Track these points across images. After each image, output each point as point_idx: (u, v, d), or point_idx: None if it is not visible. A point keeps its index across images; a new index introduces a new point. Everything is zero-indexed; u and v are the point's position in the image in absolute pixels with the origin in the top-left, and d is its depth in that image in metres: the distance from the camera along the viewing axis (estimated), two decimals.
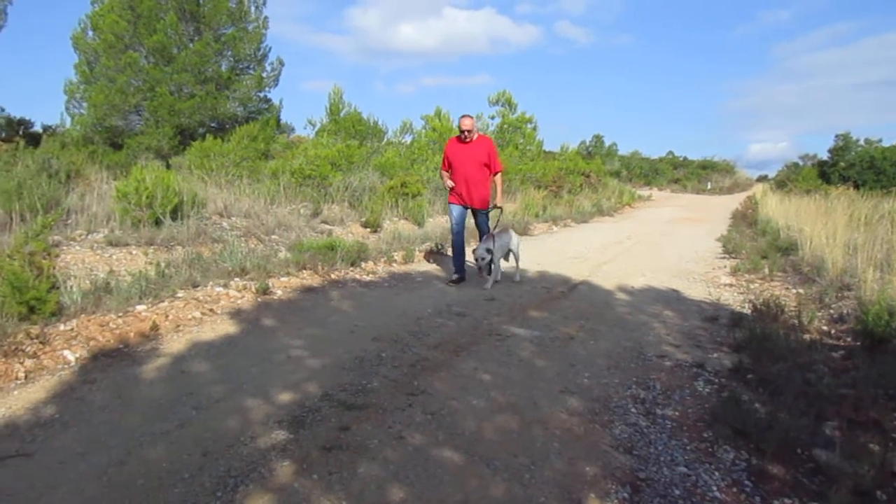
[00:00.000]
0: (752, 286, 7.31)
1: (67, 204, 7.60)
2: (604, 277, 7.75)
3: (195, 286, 5.74)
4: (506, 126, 21.39)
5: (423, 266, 8.18)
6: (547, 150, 23.63)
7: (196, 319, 5.07)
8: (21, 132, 16.48)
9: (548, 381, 4.01)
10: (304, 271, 6.79)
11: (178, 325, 4.90)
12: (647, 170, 44.23)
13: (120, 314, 4.82)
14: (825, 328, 5.34)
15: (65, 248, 6.40)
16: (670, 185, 41.37)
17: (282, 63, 17.24)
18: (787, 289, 7.04)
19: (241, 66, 16.52)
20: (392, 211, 11.80)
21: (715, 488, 2.73)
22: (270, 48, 16.93)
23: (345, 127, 16.81)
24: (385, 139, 17.78)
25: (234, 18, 15.92)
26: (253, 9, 16.38)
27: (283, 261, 6.93)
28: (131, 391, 3.63)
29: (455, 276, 7.20)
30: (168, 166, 12.19)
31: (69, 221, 7.33)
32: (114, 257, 6.52)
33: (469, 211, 7.31)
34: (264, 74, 16.82)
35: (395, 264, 8.05)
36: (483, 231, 7.32)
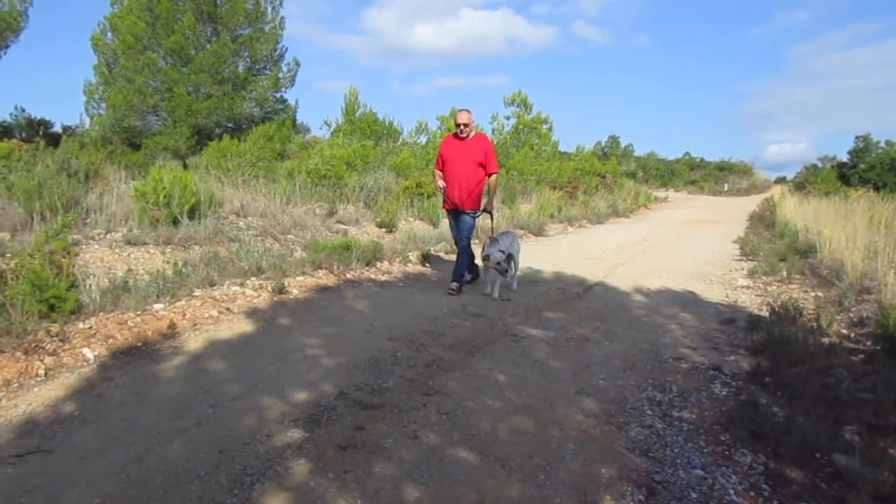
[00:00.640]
0: (769, 289, 7.25)
1: (86, 203, 7.68)
2: (619, 279, 7.71)
3: (212, 285, 5.78)
4: (521, 126, 21.37)
5: (438, 266, 8.18)
6: (562, 150, 23.63)
7: (213, 318, 5.11)
8: (41, 132, 16.66)
9: (563, 382, 4.00)
10: (320, 271, 6.82)
11: (196, 324, 4.93)
12: (663, 171, 43.98)
13: (138, 313, 4.86)
14: (844, 332, 5.28)
15: (84, 246, 6.47)
16: (687, 186, 41.09)
17: (298, 63, 17.36)
18: (806, 292, 6.97)
19: (257, 67, 16.63)
20: (407, 211, 11.82)
21: (732, 492, 2.71)
22: (287, 49, 17.06)
23: (360, 127, 16.90)
24: (400, 139, 17.85)
25: (250, 19, 16.03)
26: (269, 9, 16.48)
27: (299, 260, 6.97)
28: (149, 389, 3.66)
29: (454, 284, 6.59)
30: (185, 166, 12.30)
31: (88, 221, 7.41)
32: (132, 256, 6.58)
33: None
34: (280, 75, 16.92)
35: (410, 264, 8.06)
36: (462, 234, 6.73)
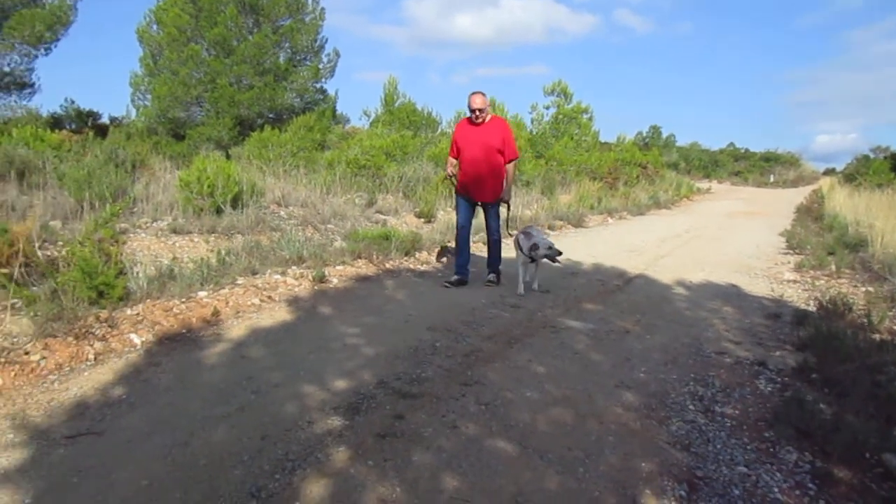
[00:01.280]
0: (817, 283, 7.05)
1: (133, 193, 7.88)
2: (661, 271, 7.60)
3: (254, 273, 5.87)
4: (561, 116, 21.15)
5: (475, 257, 8.16)
6: (603, 140, 23.31)
7: (255, 306, 5.20)
8: (90, 123, 17.12)
9: (603, 374, 3.96)
10: (359, 260, 6.87)
11: (238, 312, 5.02)
12: (706, 162, 43.07)
13: (183, 300, 4.97)
14: None
15: (131, 235, 6.64)
16: (731, 177, 40.18)
17: (338, 54, 17.49)
18: (856, 286, 6.77)
19: (298, 58, 16.80)
20: (446, 201, 11.79)
21: (776, 489, 2.65)
22: (327, 39, 17.21)
23: (399, 117, 16.94)
24: (439, 129, 17.81)
25: (291, 10, 16.20)
26: (310, 0, 16.61)
27: (339, 250, 7.03)
28: (194, 375, 3.74)
29: (454, 278, 6.36)
30: (228, 156, 12.51)
31: (135, 210, 7.60)
32: (177, 244, 6.73)
33: (478, 205, 6.46)
34: (321, 65, 17.06)
35: (448, 255, 8.06)
36: (492, 228, 6.40)
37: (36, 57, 15.05)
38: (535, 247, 6.02)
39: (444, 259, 7.86)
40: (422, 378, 3.75)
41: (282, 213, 8.90)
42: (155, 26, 15.52)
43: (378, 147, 12.99)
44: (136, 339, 4.23)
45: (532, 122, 21.26)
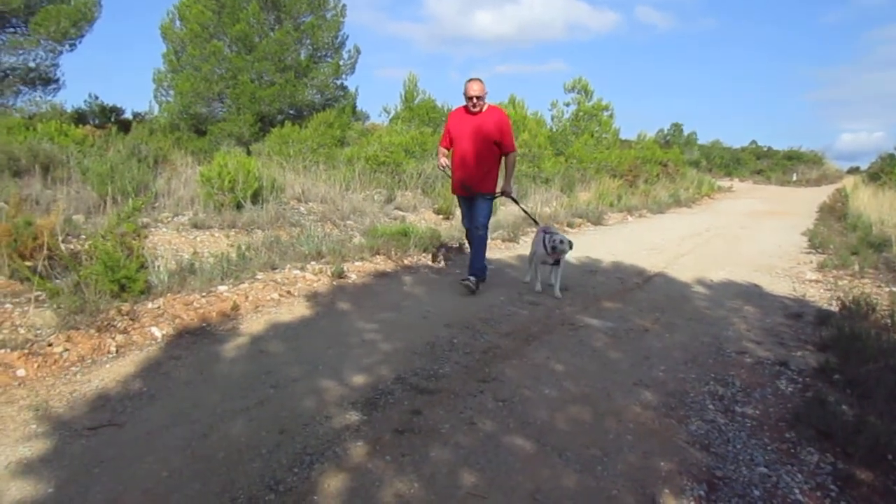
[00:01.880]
0: (840, 283, 6.95)
1: (155, 188, 7.95)
2: (680, 270, 7.53)
3: (273, 269, 5.91)
4: (581, 113, 21.01)
5: (494, 254, 8.14)
6: (623, 138, 23.14)
7: (274, 301, 5.23)
8: (113, 119, 17.30)
9: (621, 373, 3.94)
10: (378, 256, 6.89)
11: (258, 306, 5.06)
12: (728, 160, 42.58)
13: (203, 294, 5.01)
14: None
15: (153, 229, 6.70)
16: (753, 176, 39.69)
17: (358, 51, 17.54)
18: (880, 287, 6.66)
19: (319, 54, 16.88)
20: None
21: (797, 491, 2.62)
22: (347, 36, 17.28)
23: (419, 114, 16.93)
24: None
25: (312, 7, 16.27)
26: None
27: (358, 246, 7.05)
28: (213, 368, 3.78)
29: (472, 279, 5.87)
30: (248, 152, 12.60)
31: (157, 204, 7.67)
32: (197, 239, 6.79)
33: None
34: (341, 62, 17.12)
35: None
36: (479, 221, 5.89)
37: (61, 53, 15.26)
38: (555, 242, 5.75)
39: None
40: (439, 374, 3.75)
41: (301, 208, 8.95)
42: (178, 23, 15.68)
43: (397, 144, 13.00)
44: (157, 333, 4.27)
45: (552, 119, 21.16)
